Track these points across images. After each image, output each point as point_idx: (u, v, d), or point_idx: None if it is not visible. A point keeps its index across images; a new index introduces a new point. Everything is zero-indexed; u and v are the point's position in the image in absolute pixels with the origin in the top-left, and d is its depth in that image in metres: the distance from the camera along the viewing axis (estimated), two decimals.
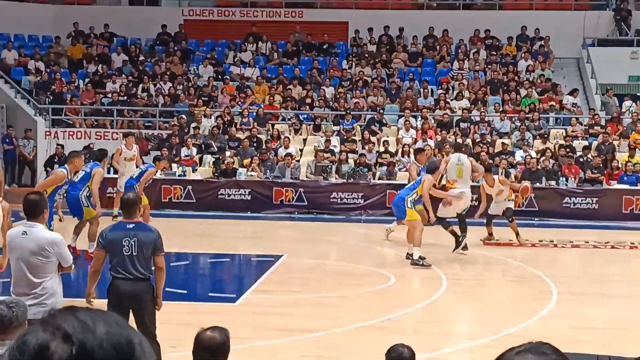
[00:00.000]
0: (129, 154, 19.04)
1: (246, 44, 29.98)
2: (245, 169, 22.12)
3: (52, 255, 6.92)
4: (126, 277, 7.80)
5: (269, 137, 24.16)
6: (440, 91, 26.96)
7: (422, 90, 27.06)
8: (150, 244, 7.86)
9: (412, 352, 5.64)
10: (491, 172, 17.56)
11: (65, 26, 30.04)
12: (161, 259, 7.93)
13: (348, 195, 21.28)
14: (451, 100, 26.66)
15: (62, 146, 24.69)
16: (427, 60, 29.28)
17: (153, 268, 7.99)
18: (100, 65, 28.72)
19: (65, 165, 13.08)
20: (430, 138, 23.83)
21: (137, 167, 18.01)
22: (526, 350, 1.80)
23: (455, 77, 27.87)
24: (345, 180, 21.79)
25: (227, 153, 22.86)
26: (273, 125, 25.49)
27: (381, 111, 25.77)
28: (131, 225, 7.93)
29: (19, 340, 1.41)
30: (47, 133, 25.92)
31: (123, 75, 28.40)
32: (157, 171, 17.88)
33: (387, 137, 24.41)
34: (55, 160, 24.29)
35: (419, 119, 25.11)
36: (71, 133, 25.96)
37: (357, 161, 22.68)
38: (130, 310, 7.70)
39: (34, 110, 26.81)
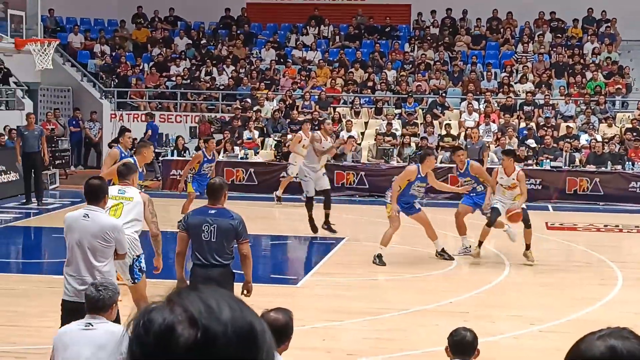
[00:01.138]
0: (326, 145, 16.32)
1: (308, 27, 29.99)
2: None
3: (112, 240, 6.98)
4: (203, 264, 7.78)
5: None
6: (503, 74, 26.65)
7: (485, 73, 26.78)
8: (230, 231, 7.77)
9: (474, 335, 5.62)
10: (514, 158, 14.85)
11: (130, 10, 30.41)
12: (244, 246, 7.85)
13: None
14: (515, 83, 26.34)
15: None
16: (490, 43, 28.95)
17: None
18: (164, 48, 29.03)
19: (134, 156, 11.94)
20: (494, 122, 23.59)
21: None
22: (607, 335, 1.78)
23: (519, 60, 27.51)
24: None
25: (289, 136, 22.93)
26: (335, 108, 25.50)
27: (443, 94, 25.58)
28: (213, 211, 7.85)
29: (145, 316, 1.39)
30: (112, 116, 26.33)
31: (187, 59, 28.66)
32: (206, 154, 16.27)
33: (449, 120, 24.23)
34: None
35: (482, 102, 24.88)
36: (136, 116, 26.32)
37: (419, 144, 22.57)
38: None
39: (99, 93, 27.24)
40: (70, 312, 6.72)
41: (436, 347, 8.17)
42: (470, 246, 14.07)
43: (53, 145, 23.95)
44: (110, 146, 19.24)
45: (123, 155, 12.26)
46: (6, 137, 21.57)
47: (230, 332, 1.38)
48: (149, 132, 24.56)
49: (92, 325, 5.58)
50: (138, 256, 8.81)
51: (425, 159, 13.46)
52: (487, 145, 20.78)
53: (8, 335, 9.16)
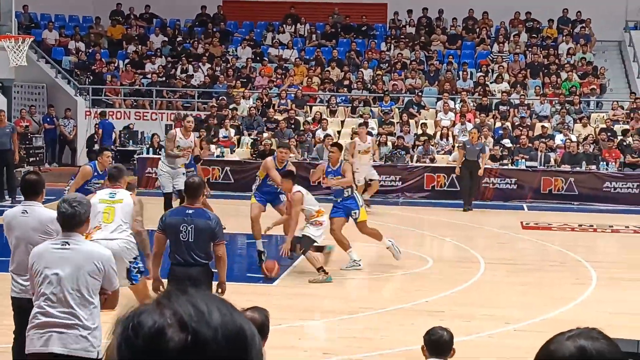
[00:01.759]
0: (185, 143, 15.73)
1: (284, 25, 29.96)
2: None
3: (53, 232, 6.86)
4: (182, 263, 7.77)
5: (306, 119, 24.16)
6: (479, 74, 26.75)
7: (461, 72, 26.88)
8: (207, 231, 7.75)
9: (450, 334, 5.62)
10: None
11: (105, 7, 30.22)
12: (220, 248, 7.83)
13: (386, 177, 21.21)
14: (490, 83, 26.45)
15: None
16: (466, 43, 29.06)
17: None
18: (140, 45, 28.88)
19: (94, 161, 12.15)
20: (469, 121, 23.68)
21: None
22: (577, 335, 1.78)
23: (495, 59, 27.63)
24: (383, 163, 21.72)
25: (265, 134, 22.91)
26: (311, 107, 25.49)
27: (420, 94, 25.64)
28: (190, 211, 7.82)
29: (134, 318, 1.37)
30: (87, 113, 26.17)
31: (162, 56, 28.53)
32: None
33: (426, 119, 24.30)
34: (95, 140, 24.54)
35: (458, 101, 24.96)
36: (111, 113, 26.15)
37: (395, 144, 22.61)
38: None
39: (74, 90, 27.05)
40: (20, 308, 6.70)
41: (412, 346, 8.18)
42: (360, 260, 12.98)
43: (27, 142, 23.78)
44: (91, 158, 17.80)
45: (96, 174, 11.82)
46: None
47: (220, 336, 1.37)
48: (100, 130, 24.46)
49: (69, 245, 5.61)
50: (135, 258, 8.83)
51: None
52: (486, 145, 20.73)
53: None
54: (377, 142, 22.59)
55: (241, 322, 1.43)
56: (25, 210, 6.82)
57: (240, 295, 10.50)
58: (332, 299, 11.08)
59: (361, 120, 23.52)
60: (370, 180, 19.27)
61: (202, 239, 7.76)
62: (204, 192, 8.26)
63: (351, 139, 22.58)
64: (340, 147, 14.02)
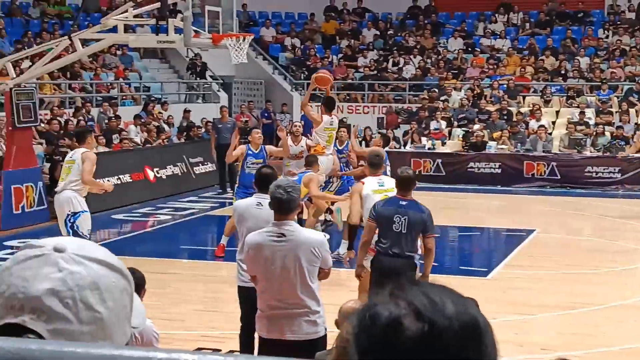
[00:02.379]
0: (295, 150, 14.21)
1: (497, 15, 29.49)
2: (495, 142, 21.83)
3: None
4: (391, 254, 7.80)
5: (519, 110, 23.69)
6: None
7: None
8: (420, 224, 7.75)
9: None
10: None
11: (320, 3, 30.93)
12: (431, 240, 7.81)
13: (604, 169, 20.46)
14: None
15: None
16: None
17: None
18: (352, 40, 29.37)
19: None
20: None
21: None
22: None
23: None
24: (600, 154, 20.96)
25: (477, 126, 22.67)
26: (524, 97, 24.97)
27: None
28: (404, 202, 7.83)
29: (369, 310, 1.41)
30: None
31: (374, 50, 28.87)
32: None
33: None
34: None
35: None
36: None
37: (614, 134, 21.74)
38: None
39: (290, 86, 27.92)
40: (247, 297, 6.90)
41: (635, 344, 7.90)
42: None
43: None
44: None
45: (250, 152, 13.29)
46: (203, 130, 22.52)
47: (456, 325, 1.38)
48: (302, 122, 24.68)
49: (285, 236, 5.76)
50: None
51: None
52: None
53: (209, 320, 9.60)
54: (594, 133, 21.81)
55: (474, 312, 1.45)
56: (260, 203, 6.94)
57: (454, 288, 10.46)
58: (549, 293, 10.84)
59: (577, 110, 22.81)
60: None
61: (414, 231, 7.77)
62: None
63: (566, 129, 21.93)
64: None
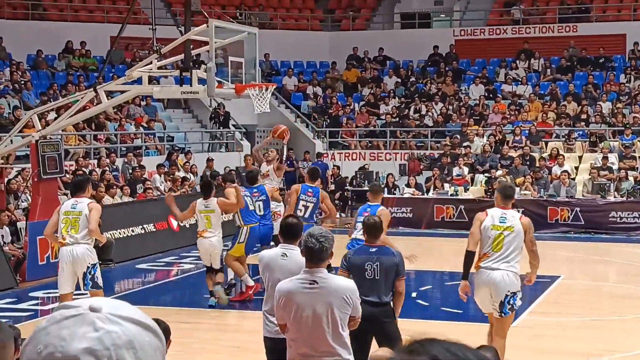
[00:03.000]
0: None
1: (518, 61, 29.63)
2: (519, 188, 21.78)
3: None
4: (367, 302, 7.61)
5: (542, 155, 23.67)
6: None
7: None
8: (392, 268, 7.70)
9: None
10: None
11: (341, 52, 31.22)
12: (401, 283, 7.76)
13: (628, 214, 20.35)
14: None
15: (339, 167, 25.66)
16: None
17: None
18: (374, 87, 29.56)
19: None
20: None
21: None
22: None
23: None
24: (625, 199, 20.86)
25: (499, 172, 22.66)
26: (546, 142, 24.96)
27: None
28: (374, 249, 7.81)
29: None
30: (325, 155, 27.03)
31: (396, 97, 29.04)
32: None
33: None
34: (331, 180, 25.29)
35: None
36: (347, 154, 26.90)
37: (637, 178, 21.65)
38: (371, 334, 7.58)
39: (312, 134, 28.09)
40: (273, 350, 6.86)
41: None
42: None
43: None
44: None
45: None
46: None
47: None
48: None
49: (317, 283, 5.73)
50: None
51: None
52: None
53: None
54: (617, 178, 21.73)
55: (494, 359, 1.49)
56: (285, 254, 6.91)
57: (479, 336, 10.45)
58: (576, 341, 10.75)
59: (600, 155, 22.75)
60: None
61: (388, 276, 7.71)
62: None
63: (589, 174, 21.82)
64: None
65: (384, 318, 7.66)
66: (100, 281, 10.56)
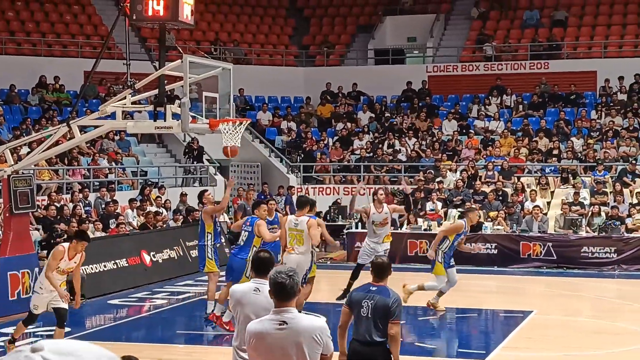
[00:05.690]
0: (379, 217, 16.10)
1: (490, 97, 29.92)
2: (491, 223, 21.91)
3: None
4: (360, 340, 7.74)
5: (514, 191, 23.84)
6: None
7: None
8: (382, 309, 7.68)
9: None
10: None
11: (315, 87, 31.39)
12: (394, 327, 7.69)
13: (600, 249, 20.50)
14: None
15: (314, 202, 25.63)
16: None
17: None
18: (348, 123, 29.71)
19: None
20: None
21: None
22: None
23: None
24: (596, 234, 21.02)
25: (473, 206, 22.75)
26: (519, 177, 25.15)
27: (634, 162, 24.72)
28: (374, 288, 7.84)
29: None
30: (299, 190, 27.05)
31: (369, 132, 29.18)
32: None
33: None
34: None
35: None
36: (321, 189, 26.94)
37: (609, 214, 21.84)
38: None
39: (286, 168, 28.13)
40: None
41: None
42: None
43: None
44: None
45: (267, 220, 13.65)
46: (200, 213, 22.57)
47: None
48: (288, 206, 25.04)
49: (287, 324, 5.65)
50: None
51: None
52: None
53: None
54: (589, 213, 21.91)
55: None
56: (258, 289, 6.84)
57: None
58: None
59: (572, 191, 22.95)
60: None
61: (379, 317, 7.69)
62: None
63: (561, 210, 22.00)
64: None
65: (378, 357, 7.64)
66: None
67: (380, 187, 18.70)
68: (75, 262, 11.39)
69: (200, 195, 15.37)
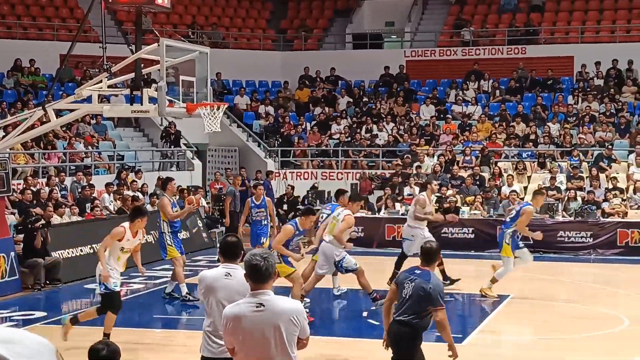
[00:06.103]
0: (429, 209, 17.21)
1: (468, 82, 29.96)
2: (469, 207, 21.99)
3: None
4: (397, 320, 7.85)
5: (491, 175, 23.92)
6: None
7: None
8: (419, 292, 7.73)
9: None
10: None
11: (293, 71, 31.30)
12: (437, 314, 7.72)
13: (576, 234, 20.63)
14: None
15: (292, 187, 25.62)
16: None
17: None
18: (326, 107, 29.66)
19: (296, 220, 13.27)
20: None
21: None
22: None
23: None
24: (572, 219, 21.15)
25: (450, 191, 22.84)
26: (496, 162, 25.24)
27: (610, 147, 24.88)
28: (419, 271, 7.90)
29: None
30: (277, 174, 27.01)
31: (347, 117, 29.16)
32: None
33: (617, 173, 23.50)
34: (285, 200, 25.25)
35: None
36: (299, 174, 26.91)
37: (585, 199, 21.98)
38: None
39: (264, 153, 28.06)
40: None
41: None
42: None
43: (220, 204, 24.76)
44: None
45: (297, 232, 12.99)
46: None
47: None
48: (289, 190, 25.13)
49: (264, 306, 5.64)
50: None
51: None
52: None
53: None
54: (565, 198, 22.03)
55: None
56: (229, 273, 6.79)
57: (428, 354, 10.48)
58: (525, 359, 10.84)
59: (548, 176, 23.05)
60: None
61: (415, 299, 7.75)
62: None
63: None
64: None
65: (401, 339, 7.75)
66: None
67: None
68: (139, 240, 11.53)
69: (165, 183, 15.47)
